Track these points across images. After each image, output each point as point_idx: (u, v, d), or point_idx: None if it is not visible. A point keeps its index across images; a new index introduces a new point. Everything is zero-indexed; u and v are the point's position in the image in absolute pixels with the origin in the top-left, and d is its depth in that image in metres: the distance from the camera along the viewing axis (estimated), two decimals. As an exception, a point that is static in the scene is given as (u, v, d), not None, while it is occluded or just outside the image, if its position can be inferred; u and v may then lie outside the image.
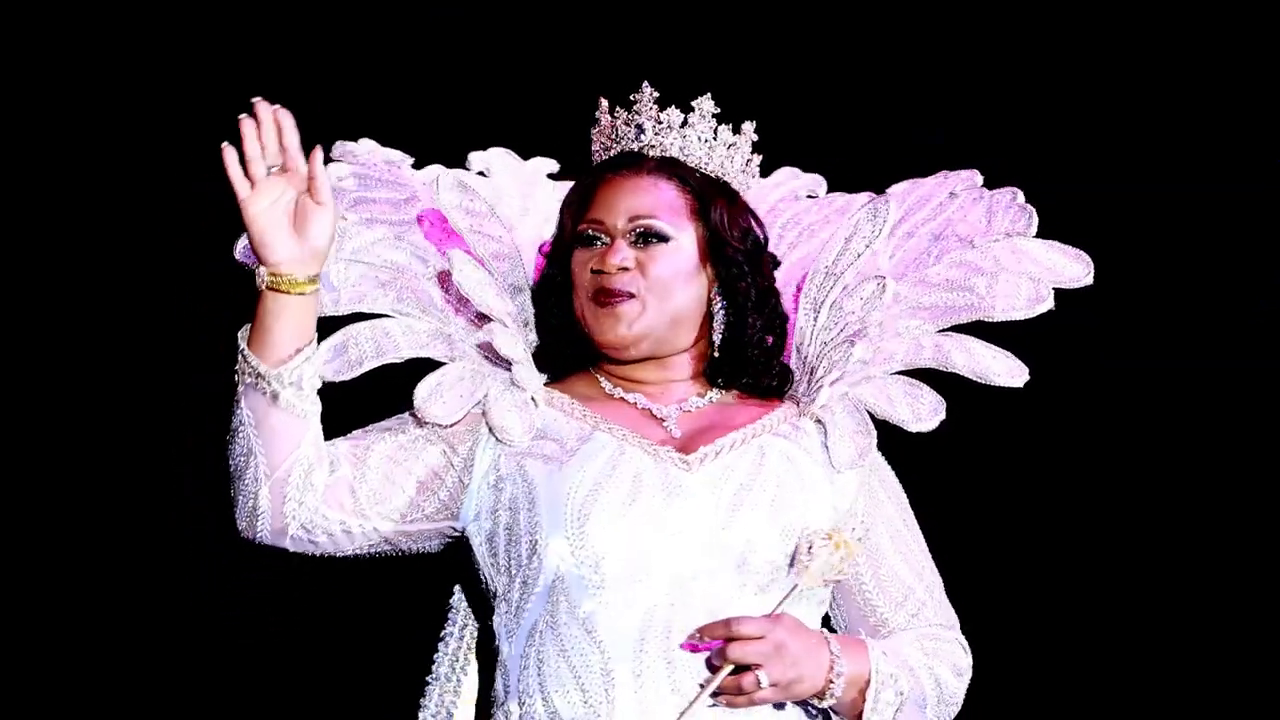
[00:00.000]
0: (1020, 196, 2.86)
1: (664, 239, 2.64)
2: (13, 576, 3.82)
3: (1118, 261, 4.02)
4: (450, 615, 2.72)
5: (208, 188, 3.87)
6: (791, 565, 2.51)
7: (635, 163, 2.68)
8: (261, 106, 2.42)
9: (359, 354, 2.57)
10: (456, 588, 2.74)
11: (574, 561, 2.47)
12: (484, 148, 2.94)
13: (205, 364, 3.86)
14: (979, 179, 2.90)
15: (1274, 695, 3.97)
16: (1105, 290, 4.03)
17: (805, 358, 2.78)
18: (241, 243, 2.66)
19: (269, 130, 2.43)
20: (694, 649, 2.45)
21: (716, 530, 2.52)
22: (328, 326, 2.58)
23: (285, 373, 2.44)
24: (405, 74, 3.89)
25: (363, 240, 2.67)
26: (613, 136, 2.73)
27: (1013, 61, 4.03)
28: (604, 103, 2.75)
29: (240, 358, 2.46)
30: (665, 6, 4.01)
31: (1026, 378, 2.74)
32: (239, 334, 2.47)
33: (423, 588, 2.82)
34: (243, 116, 2.42)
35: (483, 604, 2.64)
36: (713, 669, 2.44)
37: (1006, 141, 3.99)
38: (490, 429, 2.56)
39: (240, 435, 2.48)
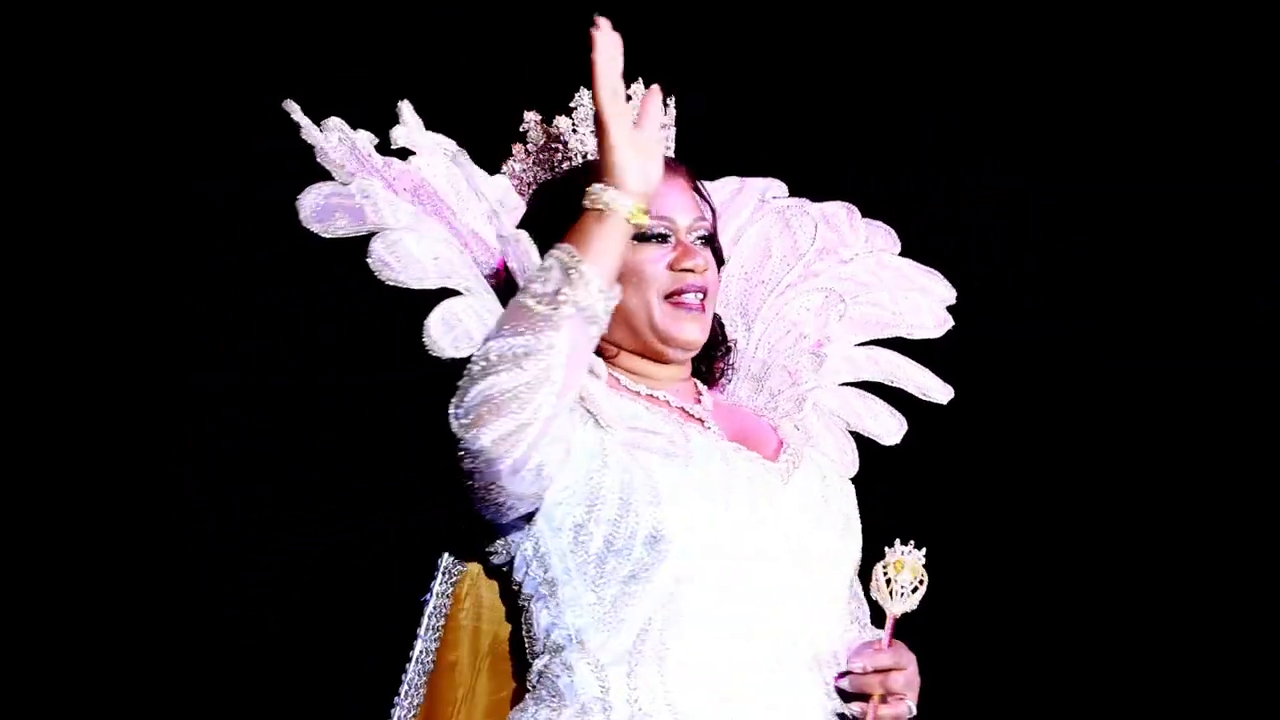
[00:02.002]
0: (858, 214, 2.87)
1: (714, 243, 2.65)
2: (13, 576, 3.82)
3: (1118, 261, 4.05)
4: (427, 620, 2.63)
5: (208, 188, 3.89)
6: (870, 590, 2.54)
7: (670, 164, 2.62)
8: (605, 25, 2.33)
9: (463, 332, 2.43)
10: (434, 590, 2.67)
11: (709, 562, 2.42)
12: (482, 147, 2.93)
13: (205, 364, 3.89)
14: (784, 188, 2.91)
15: (1274, 695, 3.97)
16: (1105, 290, 4.06)
17: (740, 364, 2.79)
18: (311, 200, 2.48)
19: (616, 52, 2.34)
20: (844, 675, 2.48)
21: (811, 544, 2.52)
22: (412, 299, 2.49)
23: (611, 305, 2.34)
24: (405, 74, 3.89)
25: (408, 212, 2.54)
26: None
27: (1013, 62, 4.03)
28: (588, 93, 2.71)
29: (579, 283, 2.29)
30: (664, 7, 4.01)
31: (952, 394, 2.82)
32: (569, 257, 2.30)
33: (424, 587, 2.82)
34: (594, 32, 2.32)
35: (508, 595, 2.56)
36: (845, 694, 2.48)
37: (1006, 142, 4.00)
38: (590, 411, 2.46)
39: (538, 360, 2.27)
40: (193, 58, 3.84)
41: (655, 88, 2.40)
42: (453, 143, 2.66)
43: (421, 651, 2.61)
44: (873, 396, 2.81)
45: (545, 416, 2.28)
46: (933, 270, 2.88)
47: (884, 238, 2.88)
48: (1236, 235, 4.00)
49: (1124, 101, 4.02)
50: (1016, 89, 4.03)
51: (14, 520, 3.83)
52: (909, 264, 2.87)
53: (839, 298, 2.78)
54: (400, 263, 2.46)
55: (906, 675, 2.48)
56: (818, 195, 2.98)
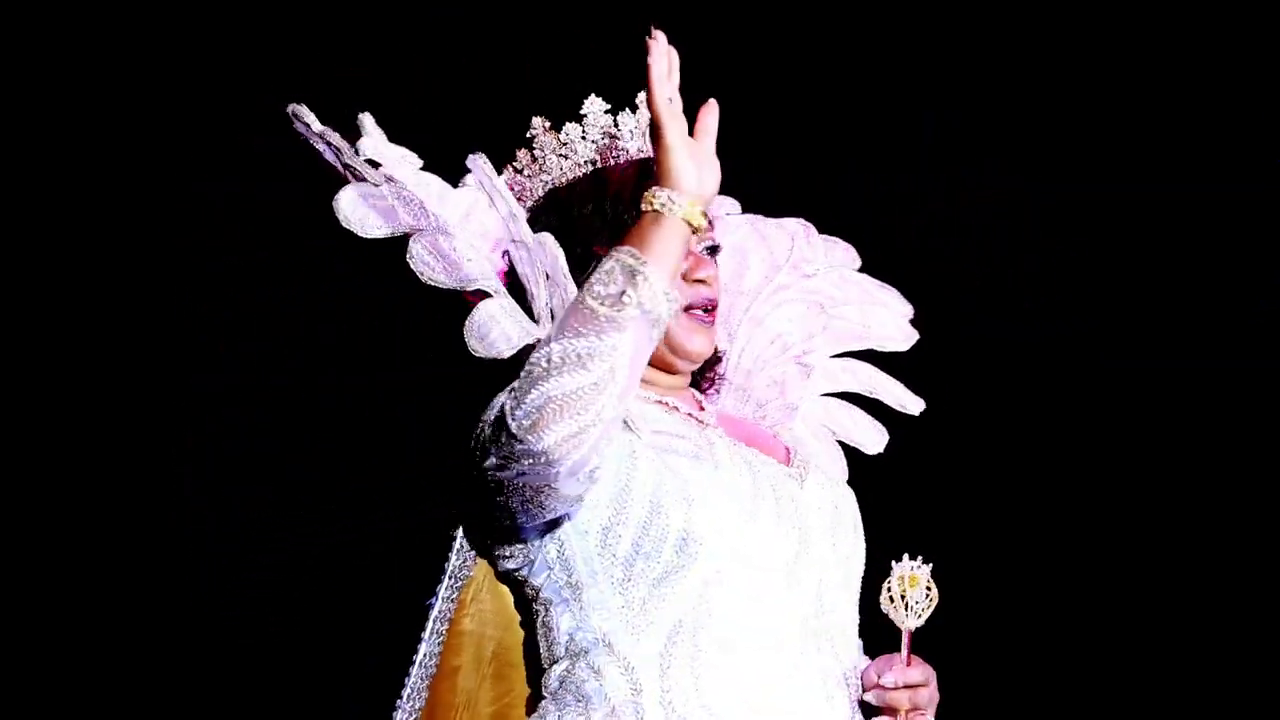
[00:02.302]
0: (814, 230, 2.88)
1: (716, 254, 2.65)
2: (13, 576, 3.82)
3: (1118, 261, 4.05)
4: (432, 624, 2.61)
5: (208, 188, 3.89)
6: (880, 605, 2.53)
7: None
8: (660, 37, 2.34)
9: (501, 334, 2.45)
10: (439, 594, 2.66)
11: (736, 564, 2.41)
12: (483, 148, 2.93)
13: (205, 364, 3.89)
14: (737, 205, 2.91)
15: (1274, 695, 3.97)
16: (1105, 290, 4.06)
17: (726, 374, 2.79)
18: (348, 200, 2.48)
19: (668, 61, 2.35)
20: (873, 687, 2.49)
21: (827, 548, 2.53)
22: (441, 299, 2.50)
23: (675, 308, 2.33)
24: (405, 74, 3.89)
25: (437, 215, 2.53)
26: (610, 133, 2.70)
27: (1013, 62, 4.03)
28: (597, 99, 2.72)
29: (644, 285, 2.27)
30: (664, 8, 4.01)
31: (924, 407, 2.85)
32: (632, 259, 2.28)
33: (424, 588, 2.82)
34: (650, 38, 2.33)
35: (521, 599, 2.55)
36: (868, 709, 2.48)
37: (1006, 142, 4.00)
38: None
39: (602, 361, 2.24)
40: (193, 58, 3.85)
41: (712, 102, 2.40)
42: (415, 155, 2.63)
43: (425, 656, 2.60)
44: (854, 406, 2.84)
45: (608, 419, 2.27)
46: (889, 286, 2.89)
47: (843, 254, 2.89)
48: (1236, 235, 4.00)
49: (1124, 101, 4.02)
50: (1016, 89, 4.03)
51: (14, 520, 3.83)
52: (868, 279, 2.89)
53: (820, 308, 2.80)
54: (440, 263, 2.47)
55: (929, 690, 2.49)
56: (818, 195, 2.99)
